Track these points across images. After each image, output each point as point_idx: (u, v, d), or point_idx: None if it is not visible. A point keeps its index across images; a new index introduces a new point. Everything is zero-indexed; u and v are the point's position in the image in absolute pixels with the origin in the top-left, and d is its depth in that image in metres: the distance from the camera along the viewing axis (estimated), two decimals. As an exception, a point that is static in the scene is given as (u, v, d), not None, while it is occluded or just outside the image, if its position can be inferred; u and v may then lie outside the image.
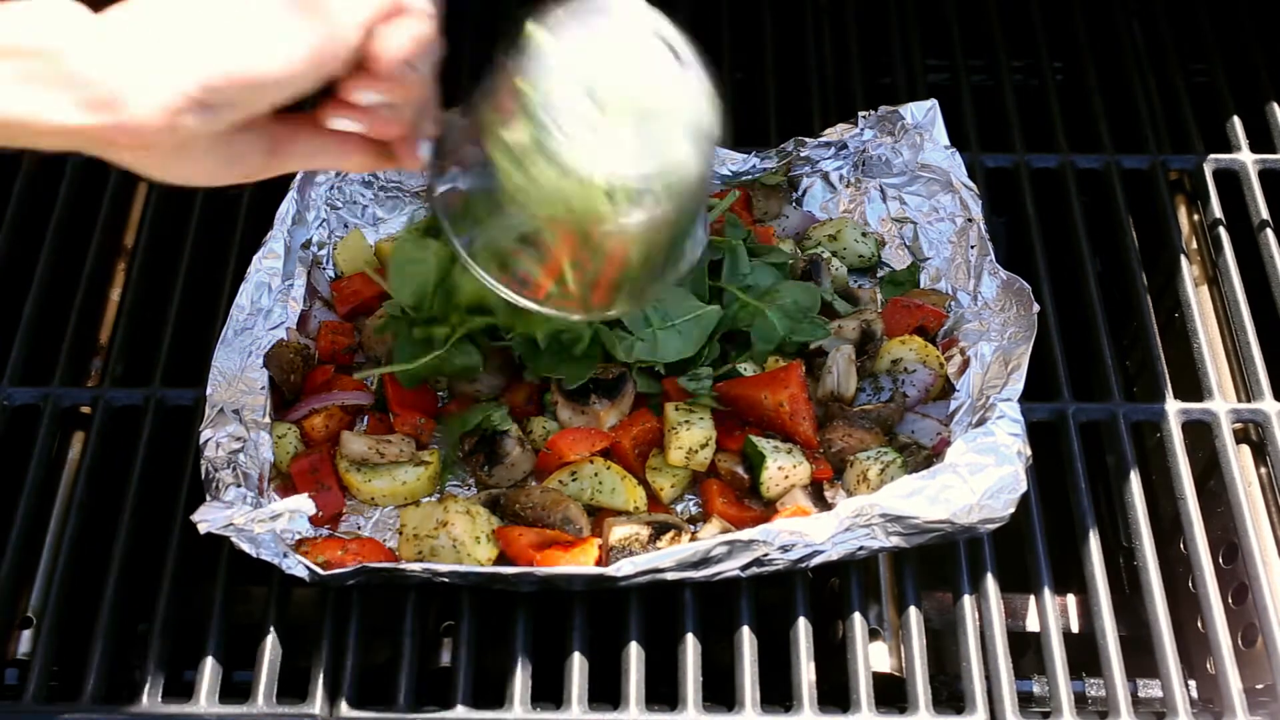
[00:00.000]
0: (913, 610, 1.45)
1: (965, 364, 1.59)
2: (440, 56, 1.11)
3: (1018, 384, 1.50)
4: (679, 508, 1.57)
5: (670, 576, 1.39)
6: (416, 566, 1.40)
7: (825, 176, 1.81)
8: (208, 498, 1.44)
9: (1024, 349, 1.53)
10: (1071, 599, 1.59)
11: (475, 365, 1.56)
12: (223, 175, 1.11)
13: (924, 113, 1.76)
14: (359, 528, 1.55)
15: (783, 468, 1.52)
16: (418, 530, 1.48)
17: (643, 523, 1.48)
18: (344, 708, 1.38)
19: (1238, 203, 1.82)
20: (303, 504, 1.41)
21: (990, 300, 1.63)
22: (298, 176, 1.71)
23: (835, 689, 1.41)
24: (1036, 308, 1.56)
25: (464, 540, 1.46)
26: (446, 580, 1.41)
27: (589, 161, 1.11)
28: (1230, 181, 1.84)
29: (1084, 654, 1.46)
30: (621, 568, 1.37)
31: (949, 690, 1.48)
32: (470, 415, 1.57)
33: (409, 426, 1.59)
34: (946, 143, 1.75)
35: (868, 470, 1.52)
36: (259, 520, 1.38)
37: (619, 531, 1.46)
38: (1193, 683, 1.51)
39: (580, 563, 1.43)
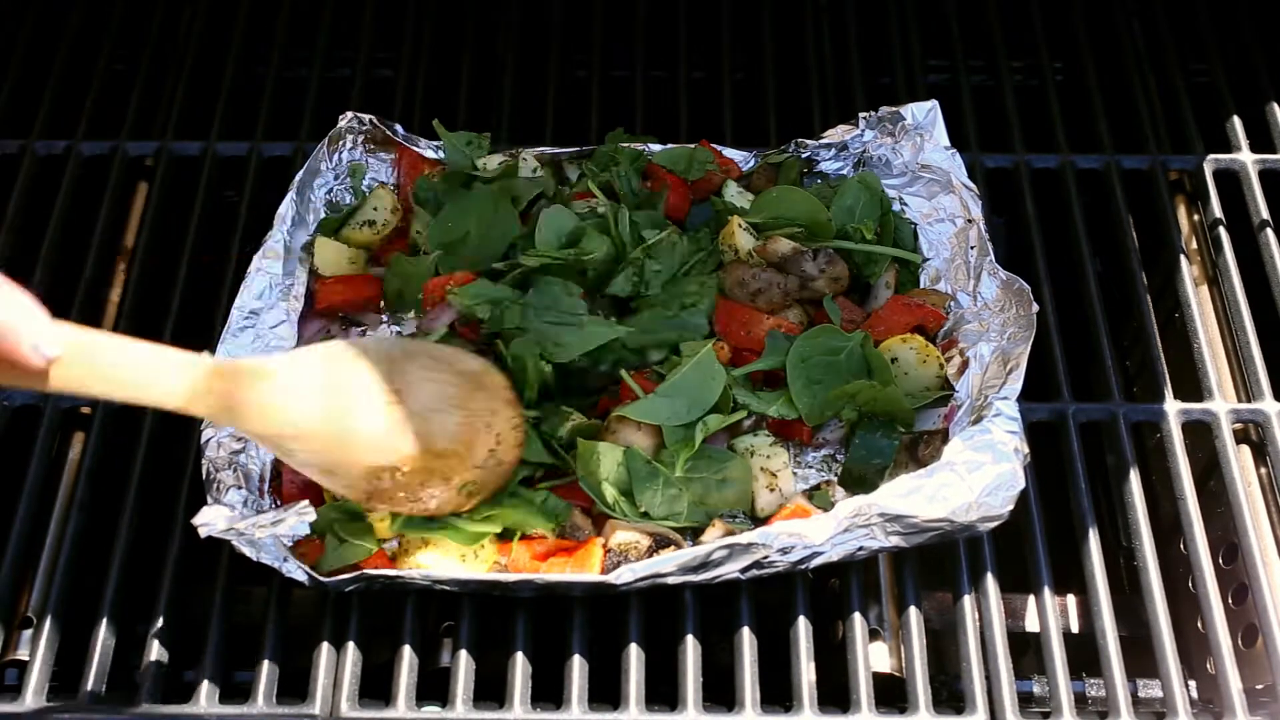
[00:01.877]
0: (913, 610, 1.45)
1: (964, 365, 1.59)
2: None
3: (1016, 383, 1.49)
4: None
5: (671, 580, 1.39)
6: (416, 573, 1.40)
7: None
8: (209, 499, 1.44)
9: (1022, 349, 1.53)
10: (1071, 599, 1.59)
11: None
12: None
13: (925, 113, 1.76)
14: (326, 549, 1.53)
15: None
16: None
17: (644, 532, 1.48)
18: (344, 708, 1.38)
19: (1238, 203, 1.82)
20: (304, 511, 1.41)
21: (990, 301, 1.62)
22: (297, 177, 1.71)
23: (835, 689, 1.41)
24: (1035, 307, 1.56)
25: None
26: (446, 587, 1.41)
27: None
28: (1230, 181, 1.84)
29: (1084, 654, 1.46)
30: (621, 575, 1.37)
31: (949, 690, 1.48)
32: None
33: None
34: (947, 143, 1.74)
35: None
36: (260, 526, 1.38)
37: (620, 536, 1.46)
38: (1193, 683, 1.51)
39: (586, 566, 1.43)
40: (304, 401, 1.30)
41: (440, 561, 1.43)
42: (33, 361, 1.07)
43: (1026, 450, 1.45)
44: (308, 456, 1.34)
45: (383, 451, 1.34)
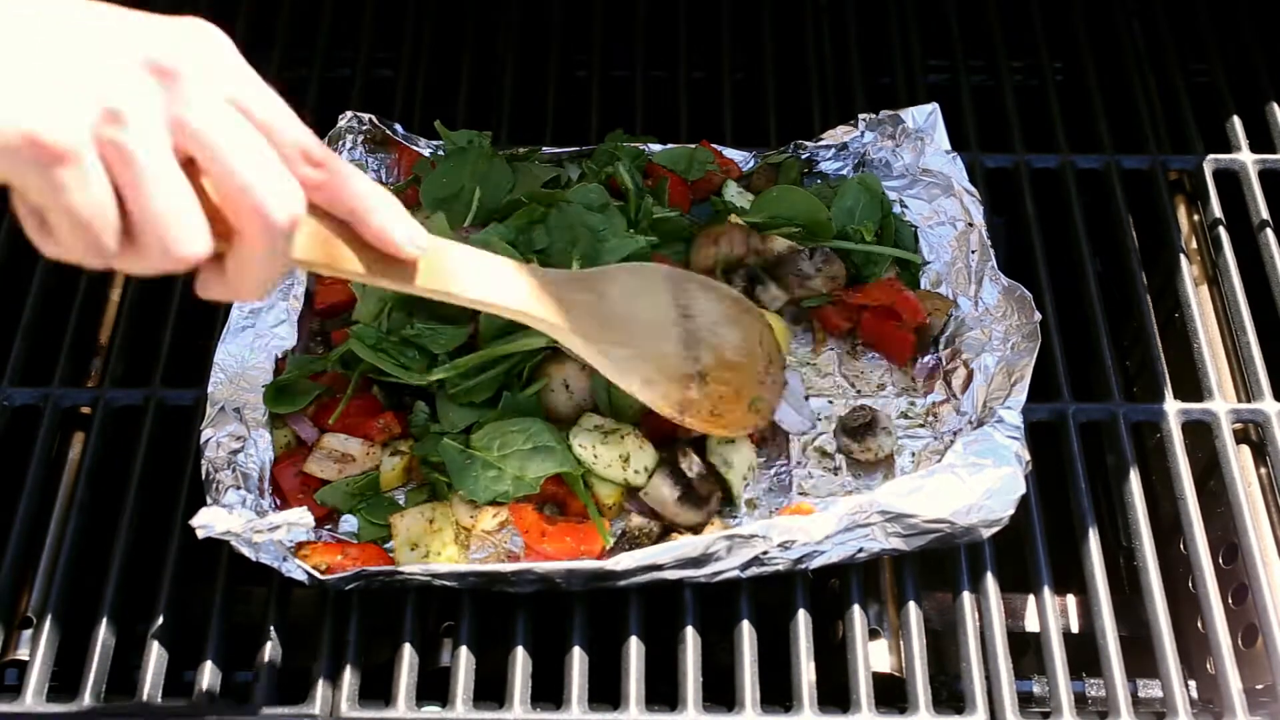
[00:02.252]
0: (913, 610, 1.45)
1: (969, 376, 1.59)
2: None
3: (1020, 395, 1.50)
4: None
5: (670, 575, 1.40)
6: (415, 569, 1.40)
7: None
8: (208, 499, 1.44)
9: (1027, 361, 1.53)
10: (1071, 599, 1.59)
11: None
12: None
13: (925, 116, 1.76)
14: (359, 527, 1.54)
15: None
16: (410, 534, 1.48)
17: (659, 522, 1.48)
18: (344, 708, 1.38)
19: (1238, 203, 1.81)
20: (302, 517, 1.42)
21: (991, 306, 1.62)
22: (298, 177, 1.71)
23: (835, 689, 1.41)
24: (1038, 316, 1.56)
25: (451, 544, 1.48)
26: (445, 583, 1.41)
27: None
28: (1230, 181, 1.84)
29: (1084, 654, 1.46)
30: (620, 561, 1.37)
31: (949, 690, 1.48)
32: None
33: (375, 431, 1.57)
34: (947, 147, 1.74)
35: None
36: (258, 530, 1.39)
37: (636, 520, 1.48)
38: (1193, 683, 1.51)
39: (591, 540, 1.44)
40: (621, 307, 1.38)
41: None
42: (405, 252, 1.11)
43: (1028, 458, 1.45)
44: (628, 361, 1.39)
45: (687, 360, 1.43)
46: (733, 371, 1.48)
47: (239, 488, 1.47)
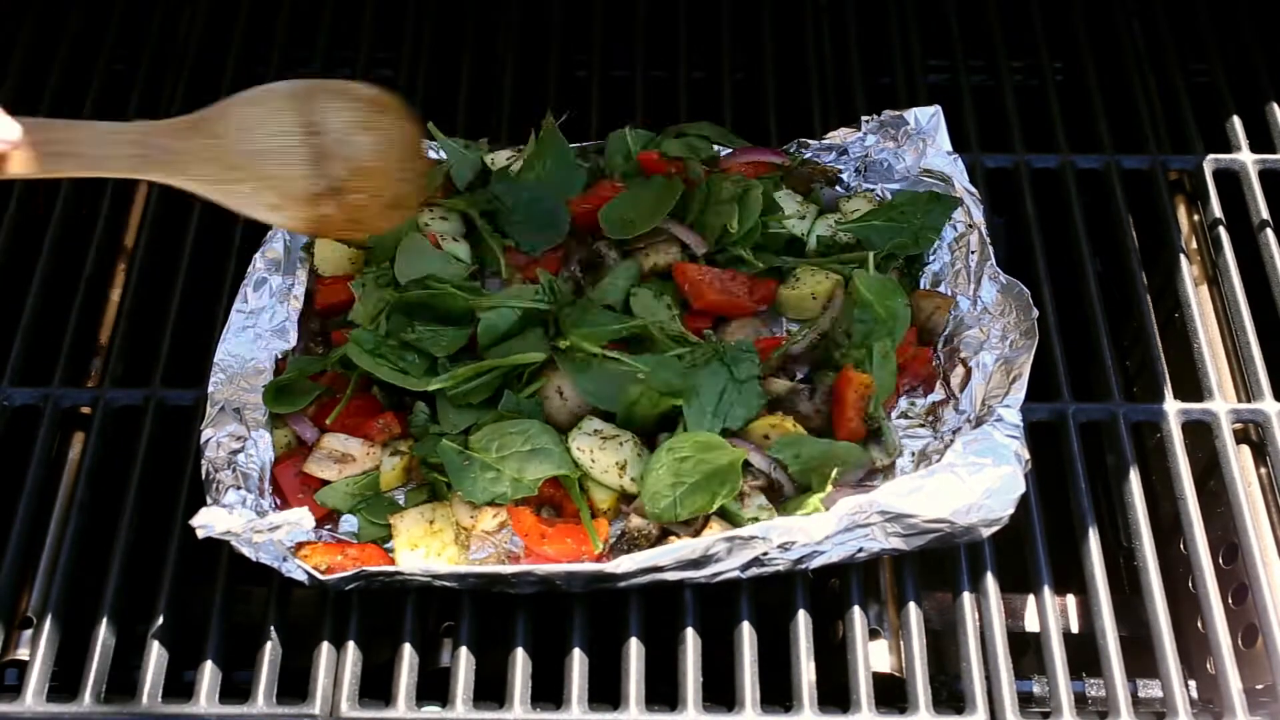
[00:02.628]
0: (913, 610, 1.45)
1: (968, 374, 1.59)
2: None
3: (1019, 393, 1.50)
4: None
5: (670, 576, 1.40)
6: (415, 569, 1.40)
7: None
8: (208, 500, 1.44)
9: (1025, 358, 1.53)
10: (1071, 599, 1.59)
11: None
12: None
13: (928, 118, 1.76)
14: (359, 527, 1.55)
15: None
16: (410, 534, 1.48)
17: (657, 525, 1.48)
18: (344, 708, 1.38)
19: (1238, 203, 1.82)
20: (302, 517, 1.42)
21: (990, 305, 1.62)
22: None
23: (835, 689, 1.41)
24: (1035, 313, 1.56)
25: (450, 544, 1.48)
26: (445, 583, 1.41)
27: None
28: (1230, 181, 1.84)
29: (1084, 654, 1.46)
30: (621, 564, 1.38)
31: (949, 690, 1.48)
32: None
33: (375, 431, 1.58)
34: (949, 148, 1.74)
35: None
36: (257, 530, 1.39)
37: (636, 521, 1.47)
38: (1193, 683, 1.51)
39: (587, 541, 1.44)
40: (239, 143, 1.41)
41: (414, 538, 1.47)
42: None
43: (1028, 456, 1.45)
44: (253, 194, 1.43)
45: (314, 179, 1.45)
46: (368, 178, 1.50)
47: (239, 488, 1.47)
